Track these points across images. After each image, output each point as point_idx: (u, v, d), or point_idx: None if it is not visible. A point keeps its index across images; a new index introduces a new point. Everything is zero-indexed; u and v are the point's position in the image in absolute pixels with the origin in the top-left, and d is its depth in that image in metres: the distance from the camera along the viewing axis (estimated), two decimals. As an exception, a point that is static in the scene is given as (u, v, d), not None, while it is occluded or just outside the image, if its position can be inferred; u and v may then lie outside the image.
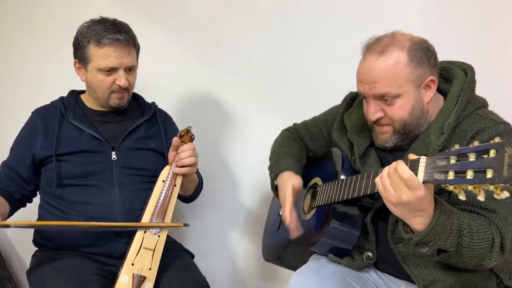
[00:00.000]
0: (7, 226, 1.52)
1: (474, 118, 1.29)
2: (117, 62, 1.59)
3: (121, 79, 1.61)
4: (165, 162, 1.68)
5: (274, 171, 1.59)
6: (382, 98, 1.29)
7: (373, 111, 1.32)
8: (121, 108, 1.71)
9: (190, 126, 1.66)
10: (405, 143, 1.34)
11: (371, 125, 1.39)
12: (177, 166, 1.63)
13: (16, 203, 1.67)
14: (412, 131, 1.32)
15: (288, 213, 1.44)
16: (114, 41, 1.58)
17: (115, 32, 1.59)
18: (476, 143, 0.93)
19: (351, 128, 1.48)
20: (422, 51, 1.28)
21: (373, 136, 1.40)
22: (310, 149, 1.69)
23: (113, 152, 1.66)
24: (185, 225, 1.69)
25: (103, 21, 1.62)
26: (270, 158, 1.68)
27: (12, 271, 2.30)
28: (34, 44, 2.30)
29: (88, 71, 1.64)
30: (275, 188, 1.62)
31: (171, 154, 1.65)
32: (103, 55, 1.59)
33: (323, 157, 1.65)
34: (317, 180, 1.57)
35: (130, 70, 1.65)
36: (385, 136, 1.35)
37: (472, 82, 1.35)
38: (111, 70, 1.61)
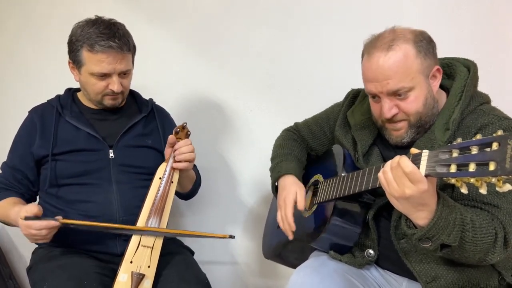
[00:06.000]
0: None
1: (478, 113, 1.28)
2: (110, 68, 1.57)
3: (114, 84, 1.60)
4: (163, 159, 1.68)
5: (276, 174, 1.58)
6: (395, 93, 1.27)
7: (388, 108, 1.28)
8: (116, 107, 1.69)
9: (186, 122, 1.66)
10: (421, 136, 1.32)
11: (381, 124, 1.36)
12: (175, 162, 1.62)
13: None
14: (427, 122, 1.30)
15: (284, 217, 1.46)
16: (107, 48, 1.54)
17: (108, 38, 1.54)
18: (478, 136, 0.93)
19: (354, 124, 1.47)
20: (426, 42, 1.28)
21: (385, 135, 1.37)
22: (312, 148, 1.68)
23: (111, 150, 1.65)
24: (231, 237, 1.64)
25: (97, 23, 1.58)
26: (272, 160, 1.67)
27: (13, 268, 2.30)
28: (35, 42, 2.30)
29: (81, 74, 1.62)
30: (275, 190, 1.61)
31: (167, 151, 1.66)
32: (96, 61, 1.56)
33: (324, 154, 1.65)
34: (318, 177, 1.57)
35: (125, 74, 1.63)
36: (400, 133, 1.32)
37: (475, 78, 1.35)
38: (104, 75, 1.59)
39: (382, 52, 1.25)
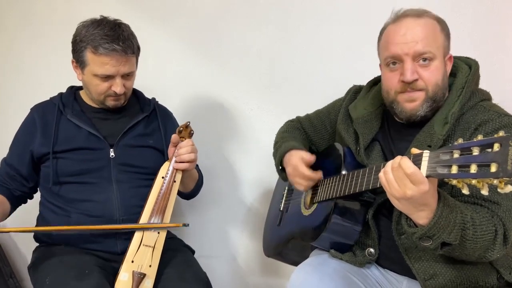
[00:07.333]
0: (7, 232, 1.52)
1: (478, 109, 1.29)
2: (114, 70, 1.57)
3: (117, 86, 1.59)
4: (164, 159, 1.68)
5: (281, 151, 1.58)
6: (420, 58, 1.27)
7: (411, 71, 1.27)
8: (118, 107, 1.69)
9: (189, 122, 1.66)
10: (430, 115, 1.31)
11: (394, 97, 1.33)
12: (176, 162, 1.63)
13: (17, 200, 1.68)
14: (440, 100, 1.31)
15: (301, 177, 1.47)
16: (110, 51, 1.53)
17: (112, 40, 1.53)
18: (480, 137, 0.93)
19: (357, 118, 1.47)
20: (447, 27, 1.33)
21: (397, 109, 1.34)
22: (312, 142, 1.69)
23: (111, 150, 1.65)
24: (185, 225, 1.66)
25: (102, 24, 1.57)
26: (274, 145, 1.68)
27: (14, 266, 2.31)
28: (34, 40, 2.30)
29: (84, 74, 1.61)
30: (281, 170, 1.61)
31: (170, 150, 1.65)
32: (100, 63, 1.55)
33: (324, 152, 1.65)
34: (318, 175, 1.57)
35: (128, 75, 1.63)
36: (415, 104, 1.30)
37: (476, 76, 1.36)
38: (107, 77, 1.59)
39: (412, 18, 1.30)
